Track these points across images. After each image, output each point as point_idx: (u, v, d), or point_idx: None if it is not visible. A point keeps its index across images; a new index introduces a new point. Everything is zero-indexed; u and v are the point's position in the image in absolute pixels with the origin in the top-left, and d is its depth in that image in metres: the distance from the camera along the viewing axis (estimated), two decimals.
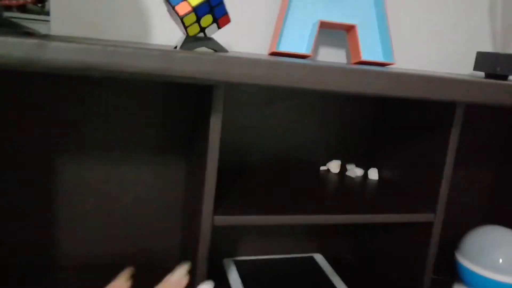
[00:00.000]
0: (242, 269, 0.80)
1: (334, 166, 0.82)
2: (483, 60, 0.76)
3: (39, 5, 0.57)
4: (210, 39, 0.56)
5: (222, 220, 0.56)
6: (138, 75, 0.41)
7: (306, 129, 0.82)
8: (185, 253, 0.71)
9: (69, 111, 0.70)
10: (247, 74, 0.43)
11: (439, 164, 0.65)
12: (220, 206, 0.59)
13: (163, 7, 0.73)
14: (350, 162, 0.86)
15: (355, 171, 0.81)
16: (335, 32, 0.81)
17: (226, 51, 0.57)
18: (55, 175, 0.71)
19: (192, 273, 0.61)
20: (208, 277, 0.76)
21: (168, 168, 0.76)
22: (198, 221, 0.58)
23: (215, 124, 0.52)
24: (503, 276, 0.73)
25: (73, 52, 0.39)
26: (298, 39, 0.74)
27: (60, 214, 0.73)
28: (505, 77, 0.75)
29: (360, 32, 0.75)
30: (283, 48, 0.73)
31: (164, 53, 0.41)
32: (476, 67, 0.78)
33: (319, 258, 0.87)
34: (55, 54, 0.39)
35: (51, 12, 0.68)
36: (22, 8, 0.56)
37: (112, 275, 0.73)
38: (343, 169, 0.85)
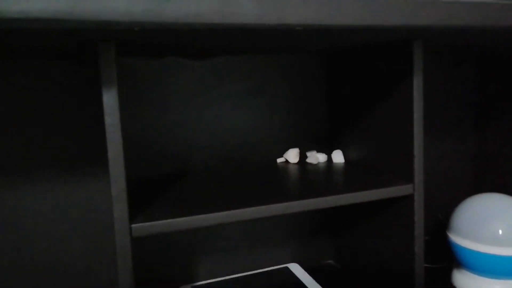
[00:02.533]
0: None
1: (292, 155, 0.70)
2: None
3: None
4: None
5: (145, 228, 0.43)
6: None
7: (253, 117, 0.70)
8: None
9: None
10: (121, 8, 0.32)
11: (407, 124, 0.54)
12: (144, 213, 0.46)
13: None
14: (310, 148, 0.74)
15: (316, 157, 0.69)
16: None
17: None
18: None
19: None
20: None
21: (94, 184, 0.62)
22: (113, 235, 0.44)
23: (109, 99, 0.39)
24: (504, 248, 0.61)
25: None
26: None
27: None
28: None
29: None
30: None
31: None
32: None
33: (295, 268, 0.74)
34: None
35: None
36: None
37: None
38: (303, 157, 0.73)
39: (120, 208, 0.42)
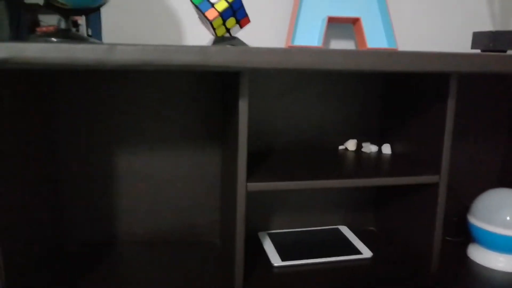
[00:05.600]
0: (276, 240, 0.91)
1: (351, 144, 0.92)
2: (478, 39, 0.85)
3: (75, 29, 0.71)
4: (235, 38, 0.68)
5: (255, 186, 0.67)
6: (182, 67, 0.53)
7: (324, 113, 0.93)
8: (226, 224, 0.83)
9: (120, 110, 0.83)
10: (266, 60, 0.55)
11: (440, 132, 0.74)
12: (252, 175, 0.70)
13: (195, 15, 0.86)
14: (365, 140, 0.96)
15: (370, 148, 0.91)
16: (343, 26, 0.92)
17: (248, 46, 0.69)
18: (111, 164, 0.85)
19: (232, 238, 0.73)
20: (246, 247, 0.88)
21: (206, 152, 0.88)
22: (234, 189, 0.69)
23: (243, 106, 0.64)
24: (511, 231, 0.81)
25: (134, 52, 0.52)
26: (310, 34, 0.85)
27: (116, 197, 0.87)
28: (502, 52, 0.83)
29: (365, 24, 0.85)
30: (297, 42, 0.84)
31: (201, 48, 0.53)
32: (473, 46, 0.86)
33: (344, 229, 0.97)
34: (121, 54, 0.52)
35: (104, 29, 0.83)
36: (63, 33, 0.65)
37: (163, 249, 0.86)
38: (359, 146, 0.95)
39: (242, 172, 0.67)
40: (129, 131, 0.85)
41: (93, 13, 0.63)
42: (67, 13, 0.60)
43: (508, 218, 0.81)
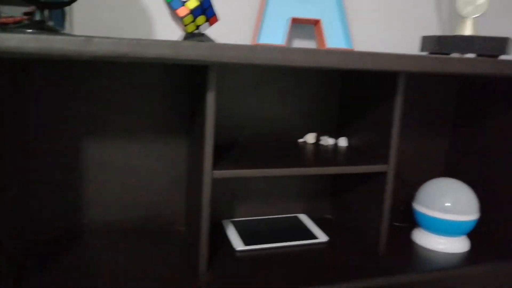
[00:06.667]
0: (239, 227, 0.96)
1: (310, 138, 0.99)
2: (426, 42, 0.93)
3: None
4: (203, 34, 0.72)
5: (220, 174, 0.72)
6: (155, 60, 0.57)
7: (285, 108, 0.99)
8: (192, 211, 0.87)
9: (90, 101, 0.86)
10: (233, 55, 0.60)
11: (389, 126, 0.82)
12: (218, 164, 0.75)
13: (166, 12, 0.89)
14: (324, 134, 1.03)
15: (327, 141, 0.98)
16: (305, 26, 0.98)
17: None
18: (79, 154, 0.87)
19: (197, 224, 0.77)
20: (210, 234, 0.92)
21: (173, 144, 0.92)
22: (200, 177, 0.74)
23: (211, 99, 0.68)
24: (450, 215, 0.90)
25: (109, 44, 0.55)
26: (275, 33, 0.91)
27: (84, 186, 0.89)
28: (446, 54, 0.92)
29: (324, 25, 0.92)
30: (262, 41, 0.90)
31: (173, 42, 0.57)
32: (421, 49, 0.95)
33: (303, 217, 1.04)
34: (97, 46, 0.55)
35: (76, 20, 0.85)
36: (38, 25, 0.68)
37: (129, 237, 0.89)
38: (318, 140, 1.01)
39: (208, 160, 0.71)
40: (98, 121, 0.87)
41: (67, 6, 0.66)
42: (42, 6, 0.62)
43: (447, 204, 0.91)
